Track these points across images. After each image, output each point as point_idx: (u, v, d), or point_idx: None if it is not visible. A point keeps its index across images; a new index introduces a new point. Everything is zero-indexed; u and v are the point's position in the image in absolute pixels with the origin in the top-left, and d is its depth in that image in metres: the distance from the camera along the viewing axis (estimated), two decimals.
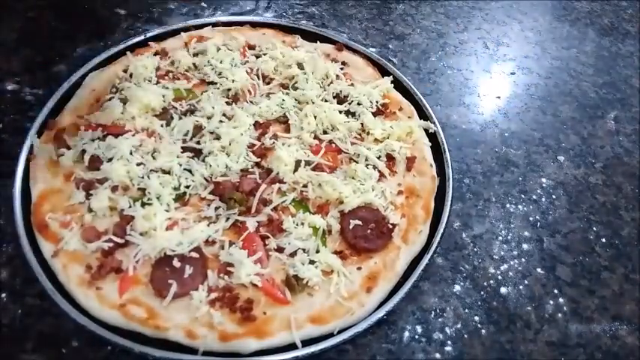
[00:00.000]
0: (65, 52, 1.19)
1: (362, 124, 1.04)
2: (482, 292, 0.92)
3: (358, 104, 1.06)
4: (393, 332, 0.85)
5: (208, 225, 0.86)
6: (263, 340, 0.75)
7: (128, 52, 1.11)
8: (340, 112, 1.05)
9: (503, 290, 0.92)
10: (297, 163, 0.95)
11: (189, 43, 1.14)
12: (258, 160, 0.96)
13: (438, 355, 0.83)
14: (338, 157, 1.00)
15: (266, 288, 0.80)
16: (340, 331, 0.78)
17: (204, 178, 0.90)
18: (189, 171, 0.91)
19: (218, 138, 0.96)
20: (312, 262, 0.83)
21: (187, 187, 0.89)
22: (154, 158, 0.92)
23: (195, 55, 1.12)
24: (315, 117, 1.02)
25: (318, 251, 0.84)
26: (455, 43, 1.39)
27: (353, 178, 0.95)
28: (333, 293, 0.81)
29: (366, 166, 0.96)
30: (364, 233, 0.87)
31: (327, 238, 0.87)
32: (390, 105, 1.09)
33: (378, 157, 0.98)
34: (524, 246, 0.99)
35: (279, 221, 0.87)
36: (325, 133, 1.02)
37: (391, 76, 1.13)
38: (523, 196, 1.07)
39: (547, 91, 1.31)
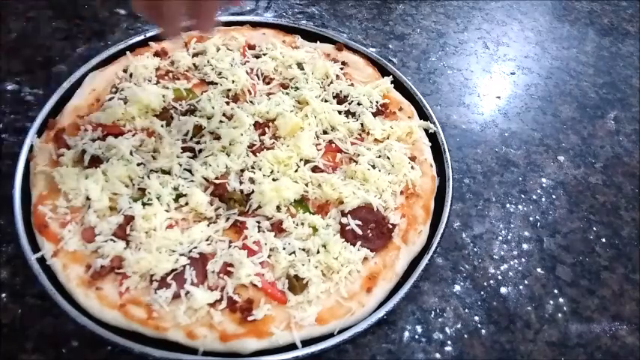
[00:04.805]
0: (65, 52, 1.19)
1: (362, 124, 1.04)
2: (482, 292, 0.92)
3: (358, 104, 1.06)
4: (393, 332, 0.85)
5: (208, 225, 0.86)
6: (263, 340, 0.75)
7: (128, 52, 1.10)
8: (340, 112, 1.05)
9: (503, 290, 0.92)
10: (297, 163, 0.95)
11: (189, 43, 1.14)
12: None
13: (438, 355, 0.83)
14: (338, 156, 1.00)
15: (266, 288, 0.80)
16: (340, 331, 0.78)
17: (204, 179, 0.90)
18: (189, 171, 0.91)
19: (218, 138, 0.96)
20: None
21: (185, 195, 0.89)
22: (153, 158, 0.92)
23: (195, 55, 1.12)
24: (315, 117, 1.02)
25: (318, 251, 0.84)
26: (455, 43, 1.40)
27: (352, 178, 0.95)
28: (333, 293, 0.81)
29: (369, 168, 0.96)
30: (364, 233, 0.87)
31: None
32: (390, 105, 1.09)
33: (378, 157, 0.98)
34: (524, 246, 0.99)
35: (279, 221, 0.87)
36: (325, 133, 1.02)
37: (391, 76, 1.13)
38: (523, 196, 1.07)
39: (547, 91, 1.31)
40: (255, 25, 1.22)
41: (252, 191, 0.89)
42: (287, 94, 1.07)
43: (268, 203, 0.87)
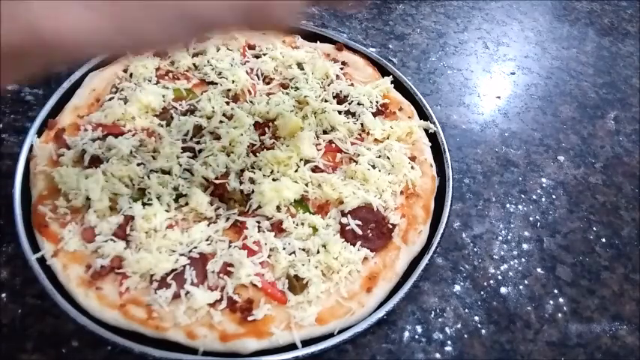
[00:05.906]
0: None
1: (362, 124, 1.04)
2: (482, 292, 0.92)
3: (358, 104, 1.06)
4: (393, 332, 0.85)
5: (208, 225, 0.86)
6: (263, 340, 0.75)
7: (128, 52, 1.10)
8: (340, 112, 1.05)
9: (503, 290, 0.92)
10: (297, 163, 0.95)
11: (189, 43, 1.14)
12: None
13: (438, 355, 0.83)
14: (338, 156, 1.00)
15: (266, 288, 0.80)
16: (340, 331, 0.78)
17: (204, 179, 0.90)
18: (190, 171, 0.91)
19: (218, 138, 0.96)
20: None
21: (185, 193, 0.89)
22: (153, 158, 0.92)
23: (195, 55, 1.12)
24: (315, 117, 1.02)
25: (318, 251, 0.84)
26: (455, 43, 1.40)
27: (352, 178, 0.95)
28: (333, 293, 0.81)
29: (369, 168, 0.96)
30: (364, 233, 0.87)
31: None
32: (390, 105, 1.09)
33: (378, 157, 0.98)
34: (524, 246, 0.99)
35: (279, 221, 0.87)
36: (325, 133, 1.02)
37: (391, 76, 1.13)
38: (523, 196, 1.07)
39: (547, 91, 1.31)
40: None
41: (252, 191, 0.89)
42: (287, 94, 1.07)
43: (268, 203, 0.87)
